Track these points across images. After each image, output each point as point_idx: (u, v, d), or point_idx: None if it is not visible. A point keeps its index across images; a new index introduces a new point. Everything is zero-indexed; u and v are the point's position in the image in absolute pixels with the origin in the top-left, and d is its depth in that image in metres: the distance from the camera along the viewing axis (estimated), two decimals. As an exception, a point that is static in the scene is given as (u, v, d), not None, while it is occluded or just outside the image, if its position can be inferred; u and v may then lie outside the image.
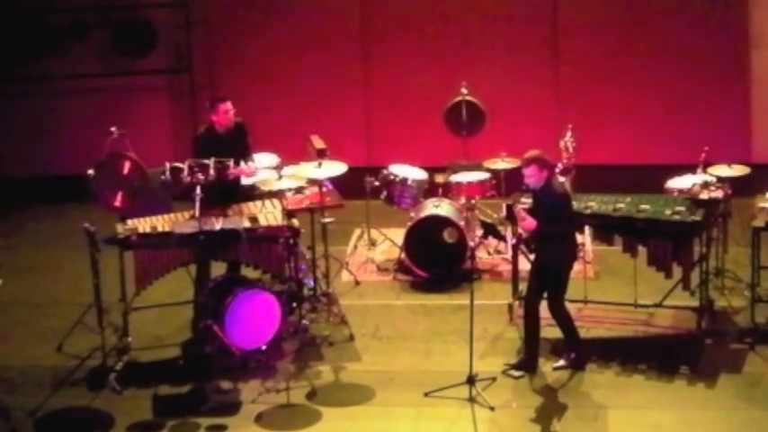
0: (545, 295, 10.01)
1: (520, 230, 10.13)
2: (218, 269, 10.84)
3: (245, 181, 11.22)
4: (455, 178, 12.48)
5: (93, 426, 9.53)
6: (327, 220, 11.33)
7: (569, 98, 14.62)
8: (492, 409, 9.48)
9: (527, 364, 10.08)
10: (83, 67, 15.03)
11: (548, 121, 14.17)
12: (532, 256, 10.28)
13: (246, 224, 10.44)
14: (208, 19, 15.15)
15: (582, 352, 10.10)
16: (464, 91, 13.05)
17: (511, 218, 10.97)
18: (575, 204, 10.30)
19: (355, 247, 12.95)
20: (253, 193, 11.27)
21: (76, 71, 14.97)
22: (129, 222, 10.45)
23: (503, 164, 12.47)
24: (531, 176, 9.81)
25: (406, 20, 14.94)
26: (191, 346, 10.50)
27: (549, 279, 9.95)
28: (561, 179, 10.16)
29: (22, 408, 9.66)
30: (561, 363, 10.10)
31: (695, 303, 10.62)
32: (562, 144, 11.09)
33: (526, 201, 10.95)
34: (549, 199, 9.82)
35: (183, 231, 10.12)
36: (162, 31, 15.11)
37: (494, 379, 9.89)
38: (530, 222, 9.85)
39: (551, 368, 10.09)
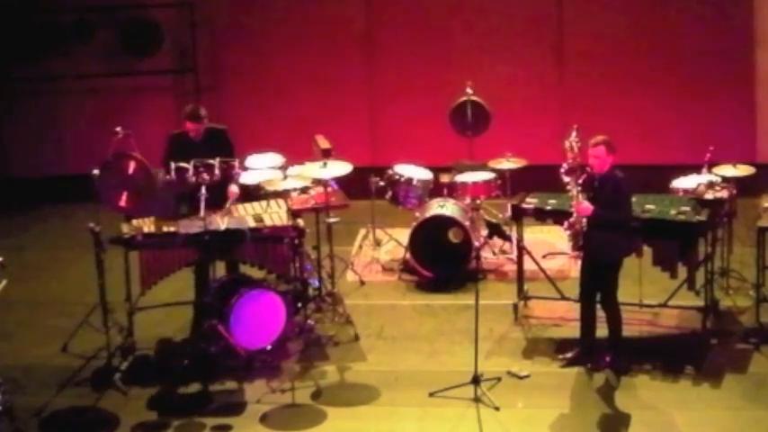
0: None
1: (572, 220, 10.01)
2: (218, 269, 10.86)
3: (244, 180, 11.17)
4: (460, 178, 12.47)
5: (98, 426, 9.54)
6: (332, 220, 11.33)
7: (574, 98, 14.61)
8: (497, 409, 9.48)
9: (583, 357, 10.09)
10: (88, 67, 15.04)
11: (553, 120, 14.16)
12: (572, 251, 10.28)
13: (252, 224, 10.45)
14: (213, 19, 15.16)
15: (620, 354, 10.03)
16: (469, 91, 13.04)
17: (516, 217, 11.01)
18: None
19: (360, 247, 12.94)
20: (258, 194, 11.26)
21: (82, 71, 14.98)
22: (134, 222, 10.46)
23: (508, 164, 12.46)
24: (598, 157, 9.77)
25: (411, 20, 14.93)
26: (192, 345, 10.48)
27: (602, 272, 9.91)
28: (566, 179, 10.13)
29: (26, 407, 9.66)
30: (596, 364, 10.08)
31: (700, 303, 10.61)
32: (567, 144, 11.01)
33: (531, 200, 10.98)
34: (611, 184, 9.77)
35: (189, 231, 10.14)
36: (167, 31, 15.12)
37: (499, 379, 9.89)
38: (586, 207, 9.81)
39: (587, 367, 10.07)
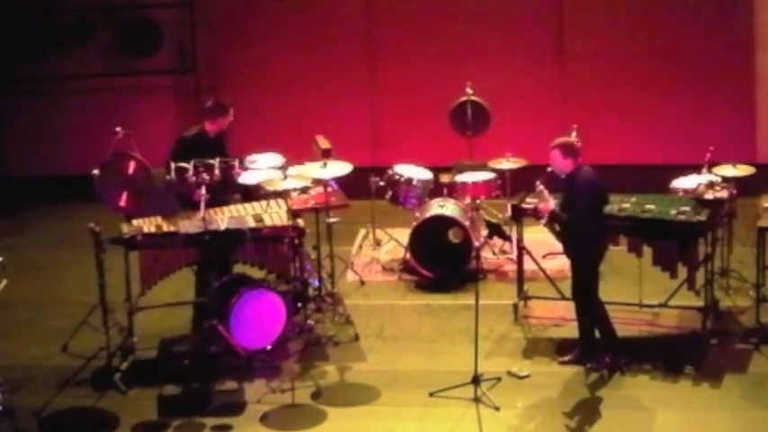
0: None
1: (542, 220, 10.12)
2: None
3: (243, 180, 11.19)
4: (460, 178, 12.47)
5: (99, 426, 9.54)
6: (332, 220, 11.33)
7: (574, 98, 14.61)
8: (497, 409, 9.48)
9: (583, 357, 10.10)
10: (88, 67, 15.04)
11: (553, 121, 14.14)
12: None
13: (252, 224, 10.45)
14: (213, 19, 15.16)
15: (617, 353, 10.04)
16: (469, 91, 13.04)
17: (516, 217, 11.02)
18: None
19: (360, 247, 12.94)
20: (258, 194, 11.26)
21: (82, 71, 14.98)
22: (135, 222, 10.46)
23: (508, 164, 12.45)
24: (554, 161, 9.84)
25: (412, 20, 14.93)
26: (191, 343, 10.49)
27: (577, 271, 9.96)
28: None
29: (27, 408, 9.67)
30: (593, 364, 10.06)
31: (700, 303, 10.62)
32: (567, 144, 11.06)
33: (531, 201, 10.98)
34: (572, 187, 9.81)
35: (189, 231, 10.14)
36: (167, 31, 15.12)
37: (499, 379, 9.89)
38: (544, 205, 9.91)
39: (587, 367, 10.07)
